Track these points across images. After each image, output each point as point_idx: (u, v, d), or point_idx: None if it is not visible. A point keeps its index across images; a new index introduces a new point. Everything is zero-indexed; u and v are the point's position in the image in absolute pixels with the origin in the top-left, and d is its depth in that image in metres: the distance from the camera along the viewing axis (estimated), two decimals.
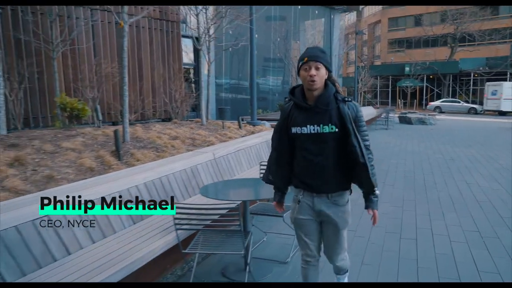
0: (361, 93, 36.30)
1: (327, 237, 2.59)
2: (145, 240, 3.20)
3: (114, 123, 9.51)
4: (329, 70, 2.39)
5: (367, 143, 2.41)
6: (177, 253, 3.27)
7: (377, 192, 2.41)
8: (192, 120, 9.68)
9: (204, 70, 11.39)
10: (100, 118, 7.10)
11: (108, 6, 8.43)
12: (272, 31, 23.02)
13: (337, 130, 2.32)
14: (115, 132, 4.89)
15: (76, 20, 8.86)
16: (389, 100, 41.38)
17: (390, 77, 40.64)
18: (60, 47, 7.87)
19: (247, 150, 6.24)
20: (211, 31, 8.97)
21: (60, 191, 3.28)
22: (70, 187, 3.58)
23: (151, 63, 10.60)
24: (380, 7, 49.23)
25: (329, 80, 2.41)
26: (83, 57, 9.08)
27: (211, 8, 8.99)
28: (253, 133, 8.17)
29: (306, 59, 2.34)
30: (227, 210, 3.15)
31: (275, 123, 7.72)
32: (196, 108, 12.47)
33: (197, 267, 3.60)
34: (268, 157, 2.71)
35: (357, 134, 2.33)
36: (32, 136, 5.51)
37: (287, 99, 2.52)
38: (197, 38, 8.69)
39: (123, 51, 5.92)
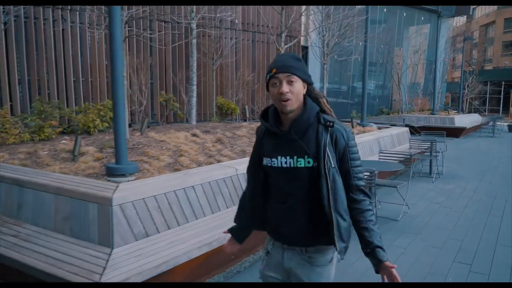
0: (467, 100, 35.12)
1: None
2: None
3: (247, 120, 11.92)
4: (308, 83, 1.79)
5: (361, 183, 1.79)
6: None
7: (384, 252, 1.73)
8: None
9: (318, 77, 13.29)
10: (248, 115, 9.44)
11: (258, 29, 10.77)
12: (376, 37, 24.07)
13: (315, 164, 1.72)
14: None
15: (225, 39, 11.40)
16: (500, 108, 39.09)
17: (503, 82, 38.42)
18: (218, 61, 10.41)
19: (365, 143, 8.03)
20: (330, 45, 10.82)
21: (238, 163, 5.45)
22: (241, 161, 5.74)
23: None
24: (495, 6, 46.45)
25: (309, 96, 1.81)
26: (228, 68, 11.60)
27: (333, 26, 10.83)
28: (363, 132, 9.86)
29: (274, 70, 1.73)
30: None
31: (381, 125, 9.89)
32: None
33: None
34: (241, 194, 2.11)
35: (335, 175, 1.73)
36: (211, 126, 7.95)
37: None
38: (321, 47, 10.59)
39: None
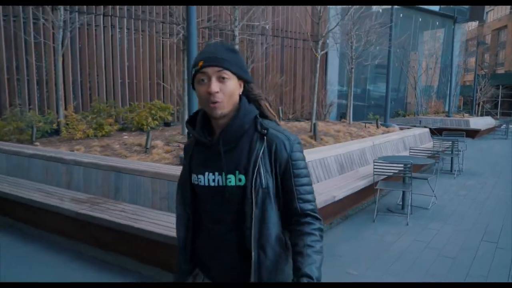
0: (479, 103, 35.56)
1: None
2: (355, 180, 5.95)
3: (281, 119, 12.67)
4: (246, 81, 1.43)
5: (307, 206, 1.38)
6: (369, 190, 5.96)
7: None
8: (339, 121, 12.36)
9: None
10: (282, 115, 10.21)
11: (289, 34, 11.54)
12: (392, 41, 24.69)
13: (241, 183, 1.36)
14: (314, 124, 7.79)
15: (256, 45, 12.18)
16: None
17: None
18: (250, 65, 11.19)
19: (392, 142, 8.74)
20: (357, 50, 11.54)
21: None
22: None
23: (303, 75, 13.60)
24: (507, 11, 46.79)
25: (247, 98, 1.44)
26: (258, 72, 12.37)
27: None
28: (388, 132, 10.56)
29: (201, 63, 1.34)
30: (398, 170, 5.73)
31: (402, 126, 10.74)
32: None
33: (378, 201, 6.21)
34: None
35: (266, 198, 1.35)
36: None
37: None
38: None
39: (316, 72, 8.87)
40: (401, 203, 6.36)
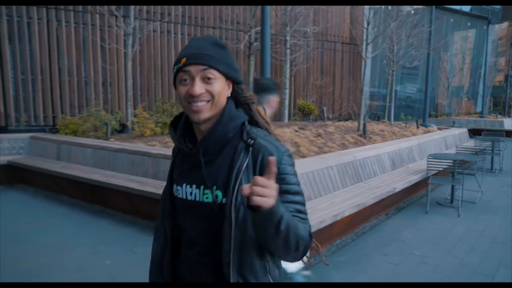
0: (509, 103, 35.12)
1: None
2: (408, 174, 6.49)
3: (324, 119, 13.26)
4: (235, 81, 1.25)
5: (300, 226, 1.14)
6: (419, 185, 6.48)
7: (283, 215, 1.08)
8: (380, 121, 12.85)
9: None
10: (325, 115, 10.79)
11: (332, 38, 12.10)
12: (423, 41, 24.84)
13: (220, 200, 1.18)
14: (364, 124, 8.36)
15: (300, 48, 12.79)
16: None
17: None
18: (294, 68, 11.82)
19: (435, 141, 9.22)
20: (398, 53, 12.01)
21: (355, 151, 6.77)
22: (353, 150, 7.05)
23: (341, 77, 14.15)
24: None
25: (236, 101, 1.27)
26: (300, 74, 12.98)
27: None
28: (428, 132, 11.00)
29: (183, 60, 1.18)
30: (448, 166, 6.24)
31: (440, 126, 11.22)
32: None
33: (430, 193, 6.72)
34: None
35: (247, 218, 1.16)
36: (301, 124, 9.32)
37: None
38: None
39: (364, 75, 9.41)
40: (449, 197, 6.85)
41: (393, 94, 12.46)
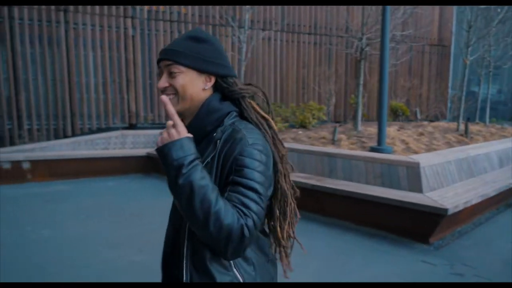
0: None
1: None
2: None
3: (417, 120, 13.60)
4: (218, 75, 1.29)
5: (224, 206, 1.12)
6: None
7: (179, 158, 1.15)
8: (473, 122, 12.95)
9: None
10: (419, 116, 11.19)
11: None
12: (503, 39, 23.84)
13: None
14: (466, 124, 8.74)
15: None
16: None
17: None
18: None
19: None
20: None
21: (467, 149, 7.23)
22: (464, 148, 7.48)
23: (429, 78, 14.36)
24: None
25: (225, 94, 1.31)
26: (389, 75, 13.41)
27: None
28: None
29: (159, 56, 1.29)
30: None
31: None
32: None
33: None
34: None
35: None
36: (398, 124, 9.85)
37: None
38: None
39: (465, 76, 9.74)
40: None
41: (488, 96, 12.51)
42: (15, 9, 9.02)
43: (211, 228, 1.09)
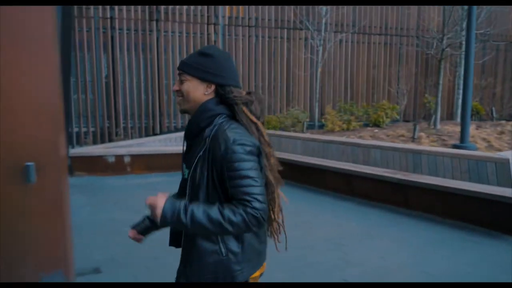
0: None
1: None
2: None
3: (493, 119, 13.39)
4: (212, 83, 1.53)
5: (240, 196, 1.41)
6: None
7: (185, 216, 1.42)
8: None
9: None
10: (495, 115, 11.09)
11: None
12: None
13: (187, 176, 1.55)
14: None
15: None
16: None
17: None
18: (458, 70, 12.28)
19: None
20: None
21: None
22: None
23: (503, 76, 14.05)
24: None
25: (223, 101, 1.55)
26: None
27: None
28: None
29: None
30: None
31: None
32: None
33: None
34: None
35: (199, 194, 1.48)
36: (476, 124, 9.87)
37: None
38: None
39: None
40: None
41: None
42: (116, 20, 10.16)
43: (231, 230, 1.39)
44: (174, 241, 1.68)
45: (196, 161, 1.48)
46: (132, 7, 10.32)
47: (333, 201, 6.66)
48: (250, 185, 1.39)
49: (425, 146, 6.93)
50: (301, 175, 7.66)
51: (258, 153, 1.47)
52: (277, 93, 11.87)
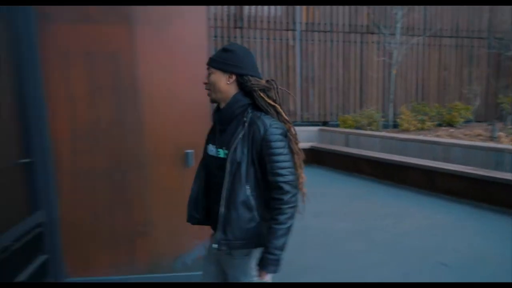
0: None
1: None
2: None
3: None
4: (234, 73, 1.74)
5: (278, 178, 1.68)
6: None
7: (277, 252, 1.69)
8: None
9: None
10: None
11: None
12: None
13: (225, 156, 1.74)
14: None
15: None
16: None
17: None
18: None
19: None
20: None
21: None
22: None
23: None
24: None
25: (243, 89, 1.75)
26: None
27: None
28: None
29: None
30: None
31: None
32: None
33: None
34: None
35: (240, 169, 1.70)
36: None
37: None
38: None
39: None
40: None
41: None
42: None
43: (292, 221, 1.73)
44: (198, 218, 1.93)
45: (236, 142, 1.70)
46: (219, 15, 11.42)
47: (416, 196, 7.02)
48: (283, 160, 1.69)
49: (507, 145, 7.33)
50: (383, 172, 8.07)
51: (286, 134, 1.75)
52: (350, 94, 12.53)
